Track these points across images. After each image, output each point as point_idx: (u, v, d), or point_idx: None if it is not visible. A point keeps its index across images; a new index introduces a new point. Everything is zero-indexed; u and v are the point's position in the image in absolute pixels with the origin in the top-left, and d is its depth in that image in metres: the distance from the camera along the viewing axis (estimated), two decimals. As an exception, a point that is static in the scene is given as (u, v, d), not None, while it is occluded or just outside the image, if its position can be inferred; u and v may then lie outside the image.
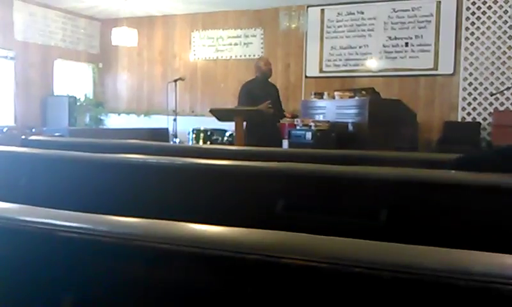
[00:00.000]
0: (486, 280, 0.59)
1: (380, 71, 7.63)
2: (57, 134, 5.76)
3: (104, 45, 9.49)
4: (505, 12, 6.81)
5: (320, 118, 6.59)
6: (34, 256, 0.97)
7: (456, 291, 0.61)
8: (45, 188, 2.18)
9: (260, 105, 5.16)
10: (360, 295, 0.68)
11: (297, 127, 7.58)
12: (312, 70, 8.08)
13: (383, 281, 0.64)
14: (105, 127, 9.24)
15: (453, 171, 1.65)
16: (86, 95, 9.42)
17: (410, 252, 0.68)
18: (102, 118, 9.43)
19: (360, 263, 0.66)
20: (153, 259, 0.86)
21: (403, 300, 0.65)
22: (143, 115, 9.13)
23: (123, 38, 8.17)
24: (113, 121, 9.37)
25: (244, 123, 5.01)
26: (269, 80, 5.69)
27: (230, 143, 5.90)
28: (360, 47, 7.77)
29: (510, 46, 6.83)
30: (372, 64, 7.69)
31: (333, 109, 6.66)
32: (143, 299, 0.89)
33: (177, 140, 6.63)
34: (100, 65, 9.70)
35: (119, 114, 9.39)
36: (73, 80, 9.34)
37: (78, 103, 8.89)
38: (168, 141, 6.62)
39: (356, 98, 6.60)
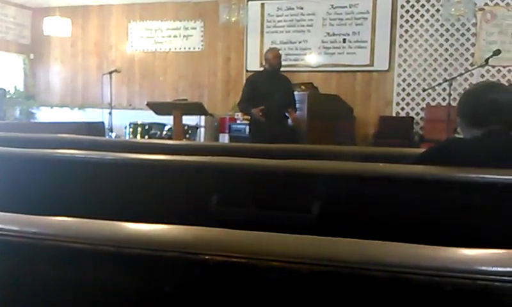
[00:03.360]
0: (399, 270, 0.59)
1: (319, 66, 7.75)
2: (-17, 128, 5.43)
3: (36, 35, 9.03)
4: (438, 11, 7.10)
5: (261, 112, 6.59)
6: None
7: (371, 282, 0.61)
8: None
9: (264, 99, 4.88)
10: (279, 289, 0.66)
11: (238, 121, 7.58)
12: (253, 64, 8.07)
13: (301, 275, 0.63)
14: (36, 121, 8.81)
15: (381, 164, 1.69)
16: (16, 88, 8.96)
17: (327, 245, 0.67)
18: (33, 111, 8.98)
19: (278, 257, 0.65)
20: (66, 259, 0.81)
21: (321, 294, 0.64)
22: (77, 108, 8.77)
23: (56, 27, 7.83)
24: (45, 115, 8.94)
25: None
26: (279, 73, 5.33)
27: (169, 138, 5.79)
28: (300, 42, 7.86)
29: (442, 44, 7.14)
30: (311, 59, 7.80)
31: (273, 103, 6.69)
32: (55, 301, 0.84)
33: (113, 134, 6.43)
34: (32, 56, 9.24)
35: (51, 108, 8.97)
36: (2, 71, 8.85)
37: (7, 96, 8.45)
38: (103, 135, 6.40)
39: (296, 92, 6.66)
